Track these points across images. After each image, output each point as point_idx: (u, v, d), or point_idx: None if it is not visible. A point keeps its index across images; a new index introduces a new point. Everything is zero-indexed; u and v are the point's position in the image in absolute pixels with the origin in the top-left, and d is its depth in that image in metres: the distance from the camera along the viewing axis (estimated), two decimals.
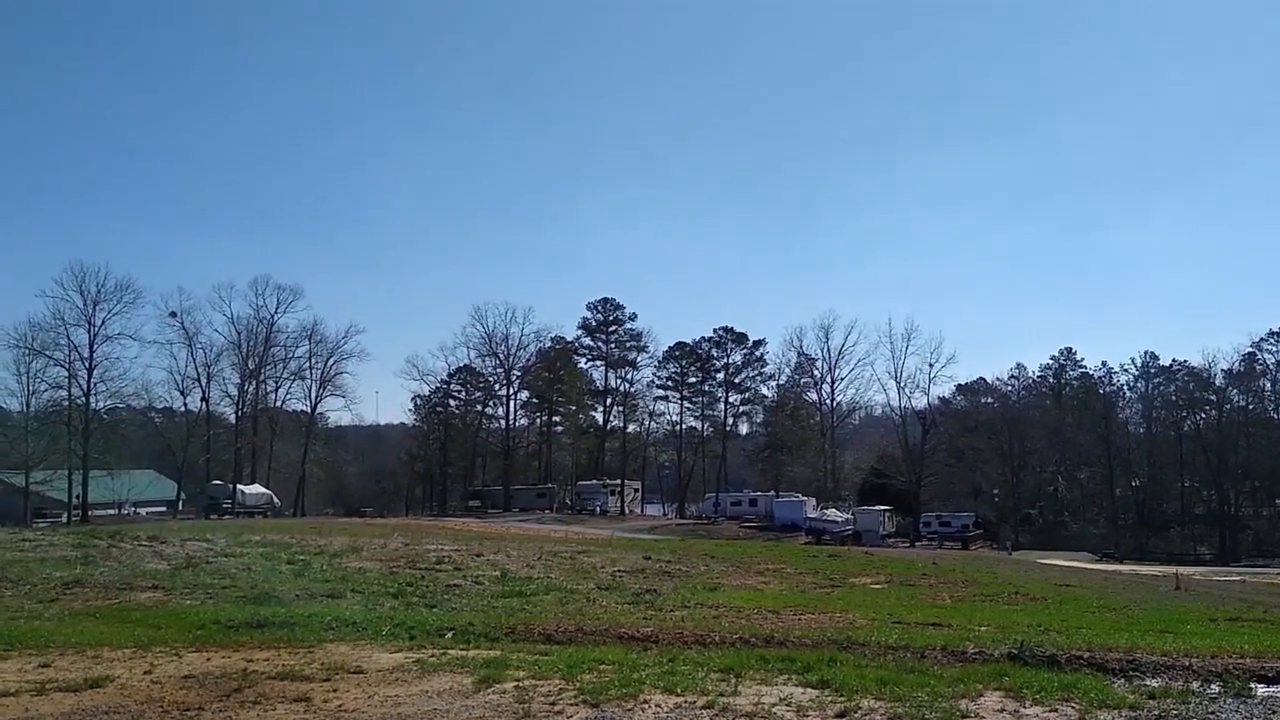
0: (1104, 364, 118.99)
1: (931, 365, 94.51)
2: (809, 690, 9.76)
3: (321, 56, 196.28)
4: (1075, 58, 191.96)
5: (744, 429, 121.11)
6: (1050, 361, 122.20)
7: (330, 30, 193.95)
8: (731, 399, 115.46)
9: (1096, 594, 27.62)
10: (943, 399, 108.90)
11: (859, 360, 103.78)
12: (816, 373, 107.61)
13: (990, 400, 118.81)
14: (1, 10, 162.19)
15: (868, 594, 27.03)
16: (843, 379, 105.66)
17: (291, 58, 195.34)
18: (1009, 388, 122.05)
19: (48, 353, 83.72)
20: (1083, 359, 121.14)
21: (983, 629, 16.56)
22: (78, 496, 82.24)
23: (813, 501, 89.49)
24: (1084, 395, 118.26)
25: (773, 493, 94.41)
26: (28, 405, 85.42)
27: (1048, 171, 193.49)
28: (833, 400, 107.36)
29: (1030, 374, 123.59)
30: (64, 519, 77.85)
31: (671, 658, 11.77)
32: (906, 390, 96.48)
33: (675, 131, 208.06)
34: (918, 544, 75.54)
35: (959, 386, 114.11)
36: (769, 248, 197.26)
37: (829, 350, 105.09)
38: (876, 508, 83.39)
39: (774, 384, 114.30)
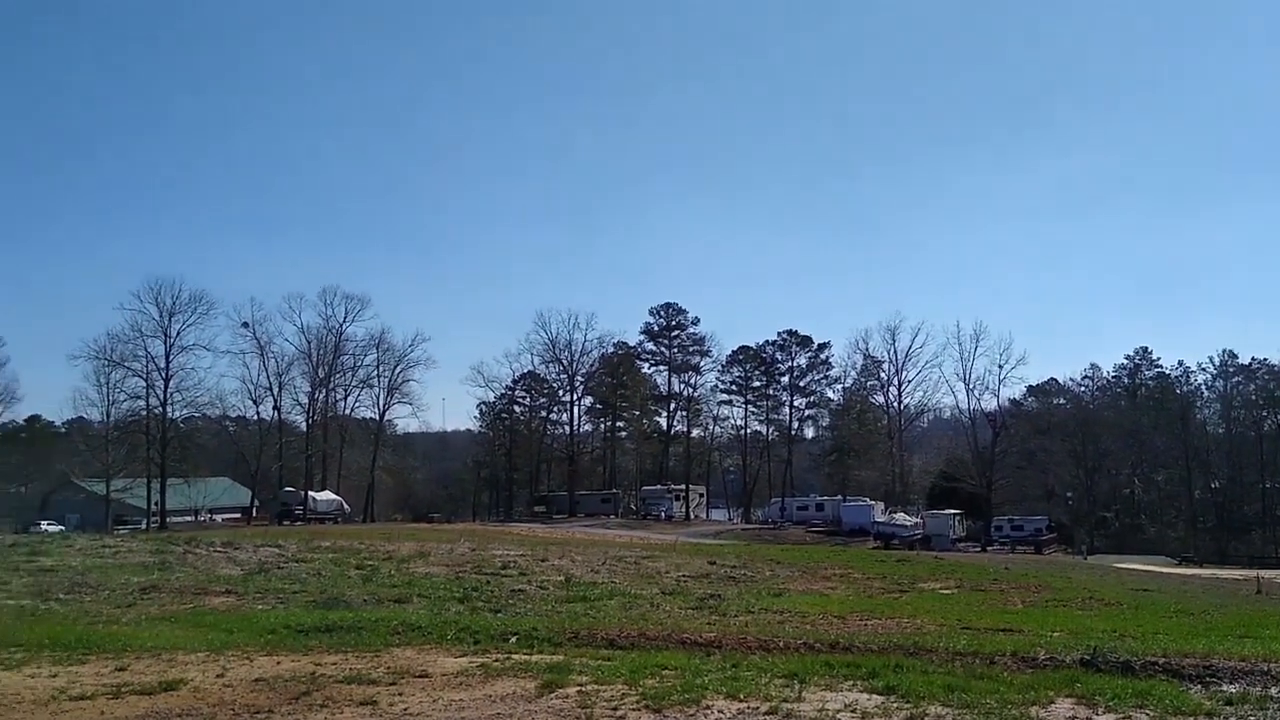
0: (1180, 363, 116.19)
1: (1001, 366, 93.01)
2: (874, 696, 9.63)
3: (388, 65, 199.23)
4: (1145, 51, 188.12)
5: (809, 433, 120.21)
6: (1125, 361, 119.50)
7: (397, 37, 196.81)
8: (796, 403, 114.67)
9: (1174, 598, 26.97)
10: (1013, 401, 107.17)
11: (926, 362, 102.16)
12: (883, 375, 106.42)
13: (1063, 401, 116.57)
14: (79, 23, 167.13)
15: (937, 599, 26.67)
16: (910, 381, 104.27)
17: (359, 66, 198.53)
18: (1082, 388, 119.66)
19: (126, 364, 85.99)
20: (1159, 358, 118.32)
21: (1055, 634, 16.25)
22: (156, 504, 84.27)
23: (880, 506, 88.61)
24: (1160, 395, 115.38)
25: (839, 497, 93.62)
26: (108, 415, 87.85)
27: (1120, 168, 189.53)
28: (900, 403, 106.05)
29: (1104, 374, 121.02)
30: (143, 526, 79.79)
31: (735, 663, 11.69)
32: (976, 392, 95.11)
33: (738, 135, 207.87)
34: (989, 548, 74.38)
35: (1030, 388, 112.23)
36: (833, 250, 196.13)
37: (896, 352, 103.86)
38: (946, 511, 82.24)
39: (839, 387, 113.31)
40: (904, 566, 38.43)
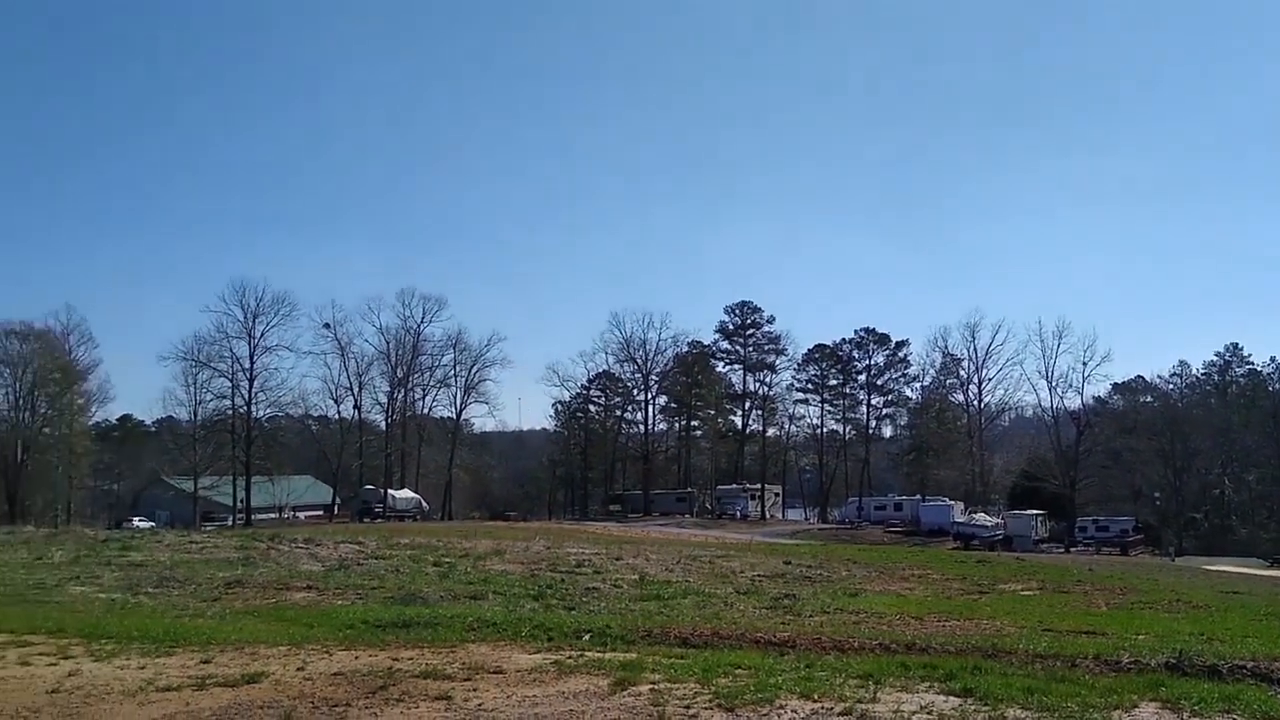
0: (1273, 359, 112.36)
1: (1085, 364, 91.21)
2: (951, 699, 9.45)
3: (467, 66, 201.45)
4: (1234, 40, 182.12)
5: (887, 432, 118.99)
6: (1215, 358, 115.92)
7: (475, 42, 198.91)
8: (874, 401, 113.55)
9: (1265, 601, 26.11)
10: (1098, 399, 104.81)
11: (1007, 360, 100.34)
12: (963, 373, 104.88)
13: (1150, 399, 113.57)
14: (160, 27, 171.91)
15: (1017, 601, 26.13)
16: (990, 379, 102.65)
17: (442, 71, 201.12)
18: (1170, 386, 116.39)
19: (213, 365, 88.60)
20: (1250, 355, 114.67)
21: (1140, 637, 15.81)
22: (241, 501, 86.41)
23: (960, 506, 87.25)
24: (1252, 393, 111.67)
25: (918, 497, 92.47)
26: (195, 415, 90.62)
27: (1206, 160, 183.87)
28: (980, 401, 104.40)
29: (1193, 371, 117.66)
30: (229, 522, 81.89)
31: (809, 663, 11.57)
32: (1059, 390, 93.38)
33: (812, 131, 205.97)
34: (1072, 549, 72.77)
35: (1115, 385, 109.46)
36: (911, 247, 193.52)
37: (976, 350, 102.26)
38: (1028, 512, 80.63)
39: (918, 385, 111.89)
40: (984, 567, 37.72)
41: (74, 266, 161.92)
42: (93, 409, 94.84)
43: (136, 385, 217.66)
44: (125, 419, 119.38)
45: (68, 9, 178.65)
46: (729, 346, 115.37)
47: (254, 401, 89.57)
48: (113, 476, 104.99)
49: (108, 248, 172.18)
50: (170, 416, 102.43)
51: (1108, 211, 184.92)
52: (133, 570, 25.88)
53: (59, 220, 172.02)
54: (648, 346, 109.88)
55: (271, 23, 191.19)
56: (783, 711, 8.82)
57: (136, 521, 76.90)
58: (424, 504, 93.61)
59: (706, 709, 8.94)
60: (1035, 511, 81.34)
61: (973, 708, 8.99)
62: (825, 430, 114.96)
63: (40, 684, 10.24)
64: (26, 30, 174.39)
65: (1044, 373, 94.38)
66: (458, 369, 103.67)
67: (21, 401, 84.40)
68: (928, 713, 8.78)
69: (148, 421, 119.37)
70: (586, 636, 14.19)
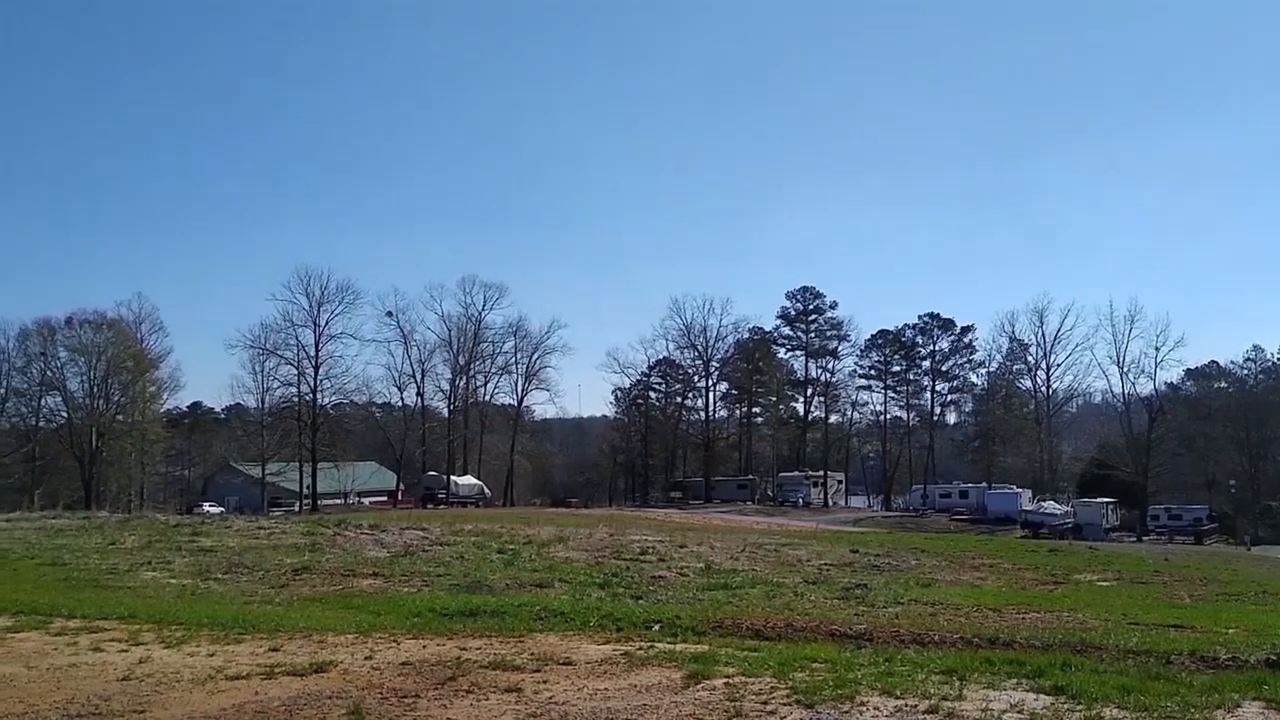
0: None
1: (1158, 349, 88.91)
2: (1042, 697, 9.01)
3: (527, 53, 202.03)
4: None
5: (952, 418, 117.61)
6: None
7: (533, 27, 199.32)
8: (938, 387, 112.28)
9: None
10: (1170, 384, 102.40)
11: (1077, 345, 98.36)
12: (1030, 359, 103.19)
13: (1225, 385, 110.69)
14: (224, 18, 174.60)
15: (1095, 592, 25.44)
16: (1059, 365, 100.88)
17: (496, 55, 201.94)
18: (1245, 371, 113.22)
19: (279, 352, 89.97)
20: None
21: (1230, 631, 15.20)
22: (308, 487, 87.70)
23: (1028, 493, 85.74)
24: None
25: (984, 484, 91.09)
26: (263, 402, 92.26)
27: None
28: (1048, 387, 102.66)
29: (1268, 356, 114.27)
30: (296, 508, 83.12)
31: (888, 657, 11.19)
32: (1130, 376, 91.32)
33: (876, 111, 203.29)
34: (1144, 539, 71.08)
35: (1188, 371, 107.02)
36: (977, 230, 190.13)
37: (1044, 335, 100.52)
38: (1099, 500, 78.95)
39: (984, 371, 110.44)
40: (1056, 557, 36.91)
41: (145, 256, 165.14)
42: (164, 397, 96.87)
43: (206, 373, 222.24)
44: (195, 406, 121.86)
45: None
46: (790, 332, 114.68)
47: (319, 389, 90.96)
48: (184, 463, 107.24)
49: (177, 237, 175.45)
50: (238, 404, 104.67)
51: (1180, 193, 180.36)
52: (203, 556, 26.20)
53: (130, 210, 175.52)
54: (708, 333, 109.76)
55: (332, 10, 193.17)
56: (864, 708, 8.46)
57: (207, 507, 78.39)
58: (486, 490, 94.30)
59: (785, 704, 8.61)
60: (1105, 500, 79.72)
61: (1066, 707, 8.54)
62: (889, 417, 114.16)
63: (112, 671, 10.25)
64: (96, 18, 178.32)
65: (1115, 358, 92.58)
66: (518, 356, 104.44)
67: (96, 390, 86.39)
68: (1019, 712, 8.37)
69: (217, 409, 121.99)
70: (656, 627, 13.93)
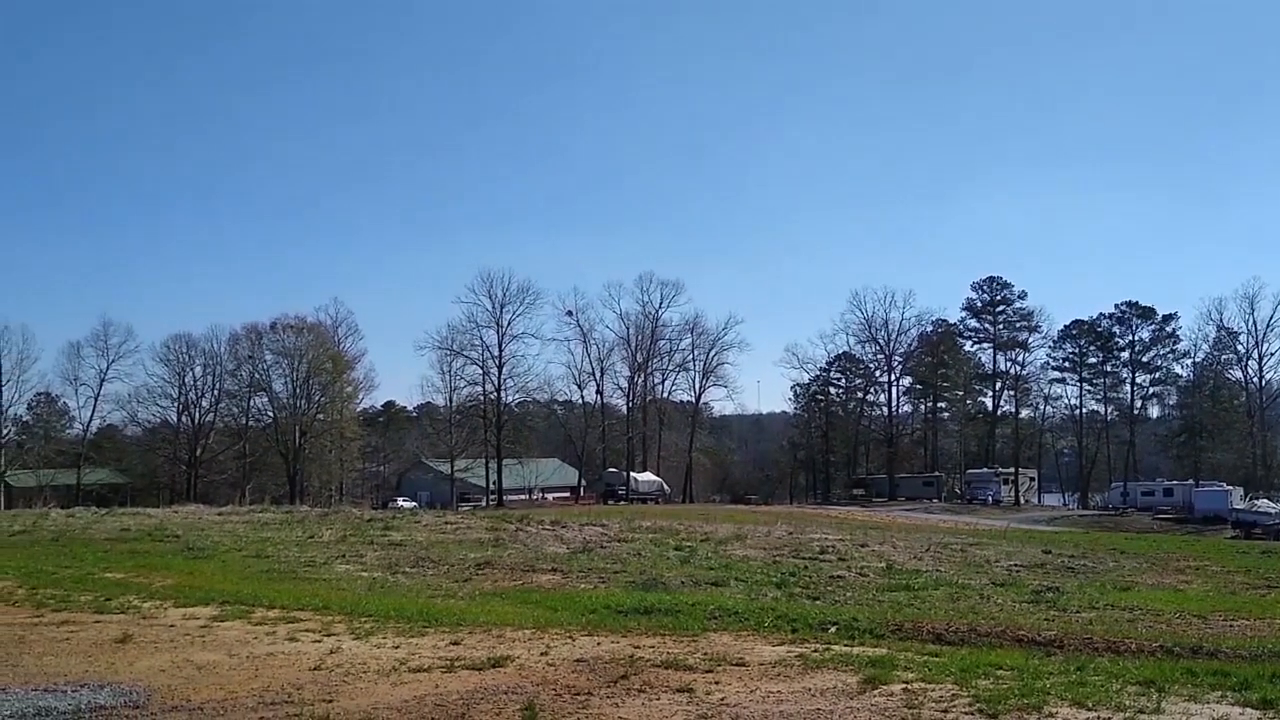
0: None
1: None
2: (1249, 711, 8.33)
3: (703, 45, 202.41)
4: None
5: (1154, 412, 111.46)
6: None
7: (713, 20, 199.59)
8: (1139, 379, 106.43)
9: None
10: None
11: None
12: (1240, 347, 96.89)
13: None
14: (417, 28, 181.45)
15: None
16: (1272, 354, 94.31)
17: (671, 51, 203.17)
18: None
19: (465, 353, 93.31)
20: None
21: None
22: (494, 482, 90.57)
23: (1239, 491, 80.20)
24: None
25: (1190, 481, 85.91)
26: (450, 401, 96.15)
27: None
28: (1261, 378, 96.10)
29: None
30: (483, 503, 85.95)
31: (1080, 665, 10.58)
32: None
33: (1064, 88, 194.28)
34: None
35: None
36: (1177, 212, 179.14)
37: (1255, 322, 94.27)
38: None
39: (1189, 362, 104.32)
40: (1271, 559, 34.26)
41: (339, 262, 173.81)
42: (360, 396, 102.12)
43: (398, 373, 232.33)
44: (389, 405, 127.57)
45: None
46: (977, 324, 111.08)
47: (503, 387, 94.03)
48: (379, 459, 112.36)
49: (368, 243, 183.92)
50: (429, 402, 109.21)
51: None
52: (392, 550, 27.28)
53: (327, 222, 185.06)
54: (890, 326, 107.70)
55: (509, 14, 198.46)
56: None
57: (400, 502, 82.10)
58: (665, 487, 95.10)
59: (966, 713, 8.24)
60: None
61: None
62: (1084, 411, 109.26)
63: (305, 661, 10.73)
64: (302, 28, 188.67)
65: None
66: (696, 353, 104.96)
67: (298, 390, 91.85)
68: None
69: (409, 407, 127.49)
70: (833, 629, 13.64)
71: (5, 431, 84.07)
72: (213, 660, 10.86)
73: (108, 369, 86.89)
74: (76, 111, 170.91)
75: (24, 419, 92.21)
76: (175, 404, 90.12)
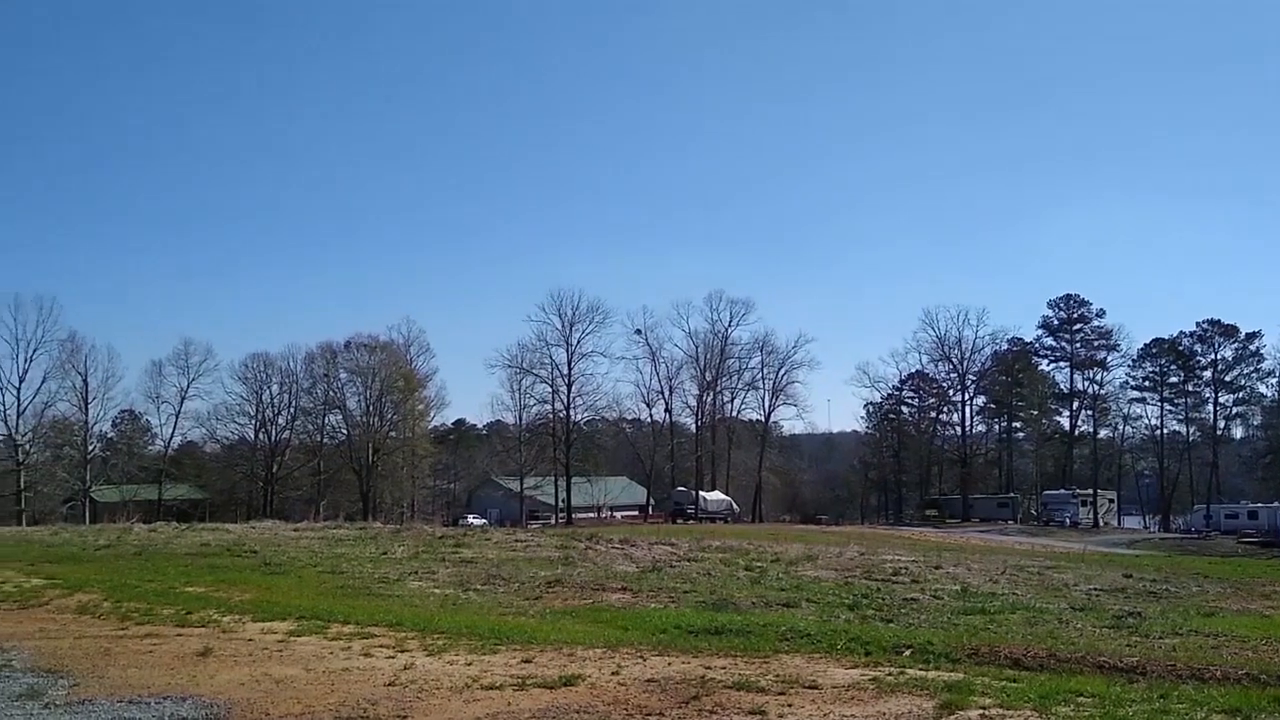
0: None
1: None
2: None
3: (778, 59, 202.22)
4: None
5: (1238, 433, 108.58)
6: None
7: (786, 34, 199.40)
8: (1221, 399, 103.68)
9: None
10: None
11: None
12: None
13: None
14: (479, 34, 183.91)
15: None
16: None
17: (743, 68, 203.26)
18: None
19: (534, 371, 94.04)
20: None
21: None
22: (563, 500, 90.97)
23: None
24: None
25: (1276, 504, 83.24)
26: (520, 419, 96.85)
27: None
28: None
29: None
30: (552, 521, 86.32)
31: (1163, 693, 10.27)
32: None
33: (1139, 117, 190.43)
34: None
35: None
36: (1260, 231, 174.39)
37: None
38: None
39: (1274, 381, 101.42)
40: None
41: (411, 282, 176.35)
42: (431, 414, 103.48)
43: (469, 391, 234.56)
44: (459, 423, 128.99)
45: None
46: (1053, 343, 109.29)
47: (572, 405, 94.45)
48: (449, 476, 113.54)
49: (439, 264, 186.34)
50: (499, 420, 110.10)
51: None
52: (464, 567, 27.49)
53: (397, 243, 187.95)
54: (963, 345, 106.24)
55: (608, 27, 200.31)
56: None
57: (471, 519, 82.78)
58: (734, 506, 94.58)
59: None
60: None
61: None
62: (1165, 431, 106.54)
63: (380, 676, 10.83)
64: (367, 56, 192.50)
65: None
66: (765, 371, 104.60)
67: (371, 408, 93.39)
68: None
69: (479, 425, 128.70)
70: (907, 652, 13.42)
71: (91, 448, 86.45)
72: (290, 674, 11.02)
73: (188, 387, 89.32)
74: (162, 132, 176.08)
75: (109, 435, 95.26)
76: (253, 421, 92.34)
